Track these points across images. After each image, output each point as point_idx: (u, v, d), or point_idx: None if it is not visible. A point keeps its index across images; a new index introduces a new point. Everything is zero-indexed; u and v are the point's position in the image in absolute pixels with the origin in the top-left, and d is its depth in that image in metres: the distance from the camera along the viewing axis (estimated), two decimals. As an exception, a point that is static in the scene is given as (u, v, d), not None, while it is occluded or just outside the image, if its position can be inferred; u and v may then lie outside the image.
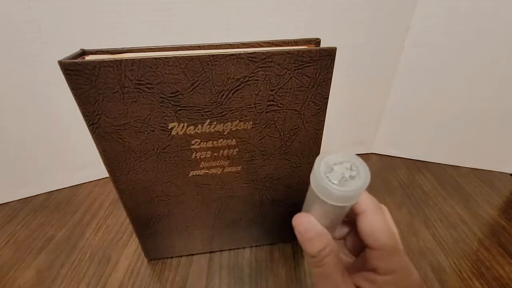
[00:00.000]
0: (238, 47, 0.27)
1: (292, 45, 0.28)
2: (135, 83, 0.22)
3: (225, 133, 0.26)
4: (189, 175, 0.28)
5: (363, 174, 0.17)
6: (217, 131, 0.26)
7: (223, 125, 0.25)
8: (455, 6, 0.39)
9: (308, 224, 0.19)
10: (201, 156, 0.27)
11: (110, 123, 0.24)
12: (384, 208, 0.20)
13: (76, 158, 0.46)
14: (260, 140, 0.27)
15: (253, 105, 0.25)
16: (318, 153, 0.29)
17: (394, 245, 0.18)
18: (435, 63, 0.44)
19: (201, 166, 0.28)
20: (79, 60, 0.21)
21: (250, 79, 0.23)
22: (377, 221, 0.18)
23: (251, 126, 0.26)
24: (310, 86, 0.25)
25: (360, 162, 0.18)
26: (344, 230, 0.22)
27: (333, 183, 0.17)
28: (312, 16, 0.40)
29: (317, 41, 0.28)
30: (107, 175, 0.27)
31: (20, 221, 0.42)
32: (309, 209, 0.20)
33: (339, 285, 0.18)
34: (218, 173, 0.29)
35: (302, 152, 0.29)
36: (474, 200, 0.44)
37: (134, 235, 0.34)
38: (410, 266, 0.18)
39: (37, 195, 0.47)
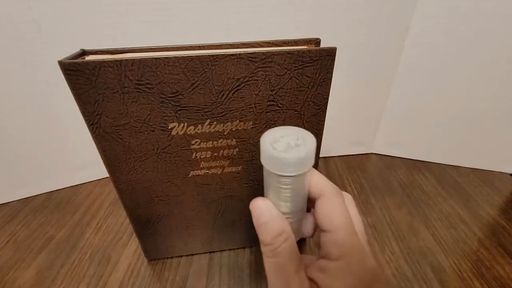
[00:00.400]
0: (238, 47, 0.27)
1: (292, 45, 0.28)
2: (135, 83, 0.22)
3: (225, 133, 0.26)
4: (189, 175, 0.28)
5: (309, 142, 0.17)
6: (217, 131, 0.26)
7: (223, 125, 0.25)
8: (455, 6, 0.39)
9: (263, 207, 0.18)
10: (201, 156, 0.27)
11: (110, 123, 0.24)
12: (347, 197, 0.20)
13: (76, 158, 0.46)
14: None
15: (253, 105, 0.25)
16: (318, 153, 0.29)
17: (348, 228, 0.17)
18: (435, 63, 0.44)
19: (201, 166, 0.28)
20: (79, 60, 0.21)
21: (250, 79, 0.23)
22: (333, 204, 0.18)
23: (251, 126, 0.26)
24: (310, 86, 0.25)
25: (306, 133, 0.18)
26: (311, 225, 0.21)
27: (278, 150, 0.17)
28: (312, 16, 0.40)
29: (317, 41, 0.28)
30: (107, 175, 0.27)
31: (20, 221, 0.42)
32: (267, 194, 0.19)
33: (291, 278, 0.17)
34: (218, 173, 0.29)
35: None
36: (474, 200, 0.44)
37: (134, 235, 0.34)
38: (366, 252, 0.18)
39: (37, 195, 0.47)
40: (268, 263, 0.18)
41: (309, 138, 0.17)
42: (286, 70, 0.24)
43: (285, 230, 0.18)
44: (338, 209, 0.18)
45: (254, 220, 0.18)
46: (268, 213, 0.18)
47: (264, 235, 0.17)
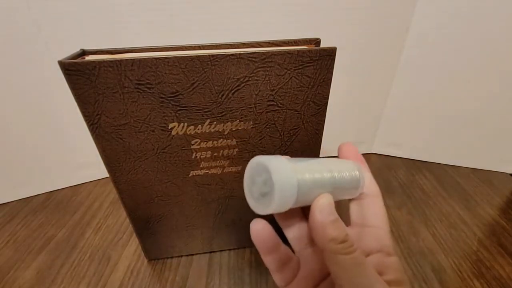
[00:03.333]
0: (238, 47, 0.27)
1: (292, 45, 0.28)
2: (135, 83, 0.22)
3: (225, 133, 0.26)
4: (189, 175, 0.28)
5: (277, 190, 0.15)
6: (217, 131, 0.26)
7: (223, 125, 0.25)
8: (455, 6, 0.39)
9: (332, 204, 0.17)
10: (201, 156, 0.27)
11: (110, 123, 0.24)
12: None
13: (76, 158, 0.46)
14: (260, 140, 0.27)
15: (253, 105, 0.25)
16: (318, 153, 0.29)
17: (387, 227, 0.19)
18: (435, 63, 0.44)
19: (201, 166, 0.28)
20: (79, 60, 0.21)
21: (250, 79, 0.23)
22: (379, 204, 0.20)
23: (251, 126, 0.26)
24: (310, 86, 0.25)
25: (275, 175, 0.15)
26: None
27: (254, 197, 0.18)
28: (312, 16, 0.40)
29: (317, 41, 0.28)
30: (107, 175, 0.27)
31: (20, 221, 0.42)
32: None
33: (371, 269, 0.16)
34: (218, 173, 0.29)
35: (302, 152, 0.29)
36: (474, 200, 0.44)
37: (134, 235, 0.34)
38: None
39: (37, 195, 0.47)
40: (345, 262, 0.16)
41: (277, 184, 0.15)
42: (286, 70, 0.24)
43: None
44: (383, 209, 0.20)
45: (322, 218, 0.16)
46: (335, 212, 0.17)
47: (337, 232, 0.16)
